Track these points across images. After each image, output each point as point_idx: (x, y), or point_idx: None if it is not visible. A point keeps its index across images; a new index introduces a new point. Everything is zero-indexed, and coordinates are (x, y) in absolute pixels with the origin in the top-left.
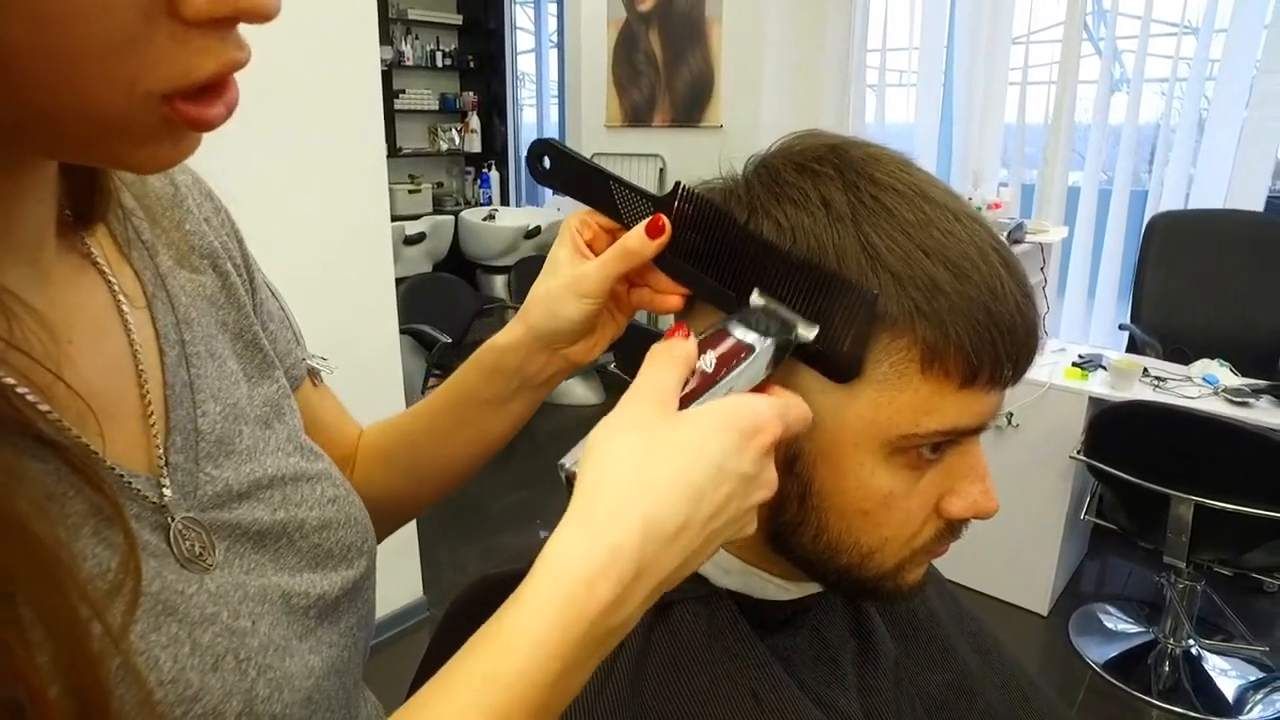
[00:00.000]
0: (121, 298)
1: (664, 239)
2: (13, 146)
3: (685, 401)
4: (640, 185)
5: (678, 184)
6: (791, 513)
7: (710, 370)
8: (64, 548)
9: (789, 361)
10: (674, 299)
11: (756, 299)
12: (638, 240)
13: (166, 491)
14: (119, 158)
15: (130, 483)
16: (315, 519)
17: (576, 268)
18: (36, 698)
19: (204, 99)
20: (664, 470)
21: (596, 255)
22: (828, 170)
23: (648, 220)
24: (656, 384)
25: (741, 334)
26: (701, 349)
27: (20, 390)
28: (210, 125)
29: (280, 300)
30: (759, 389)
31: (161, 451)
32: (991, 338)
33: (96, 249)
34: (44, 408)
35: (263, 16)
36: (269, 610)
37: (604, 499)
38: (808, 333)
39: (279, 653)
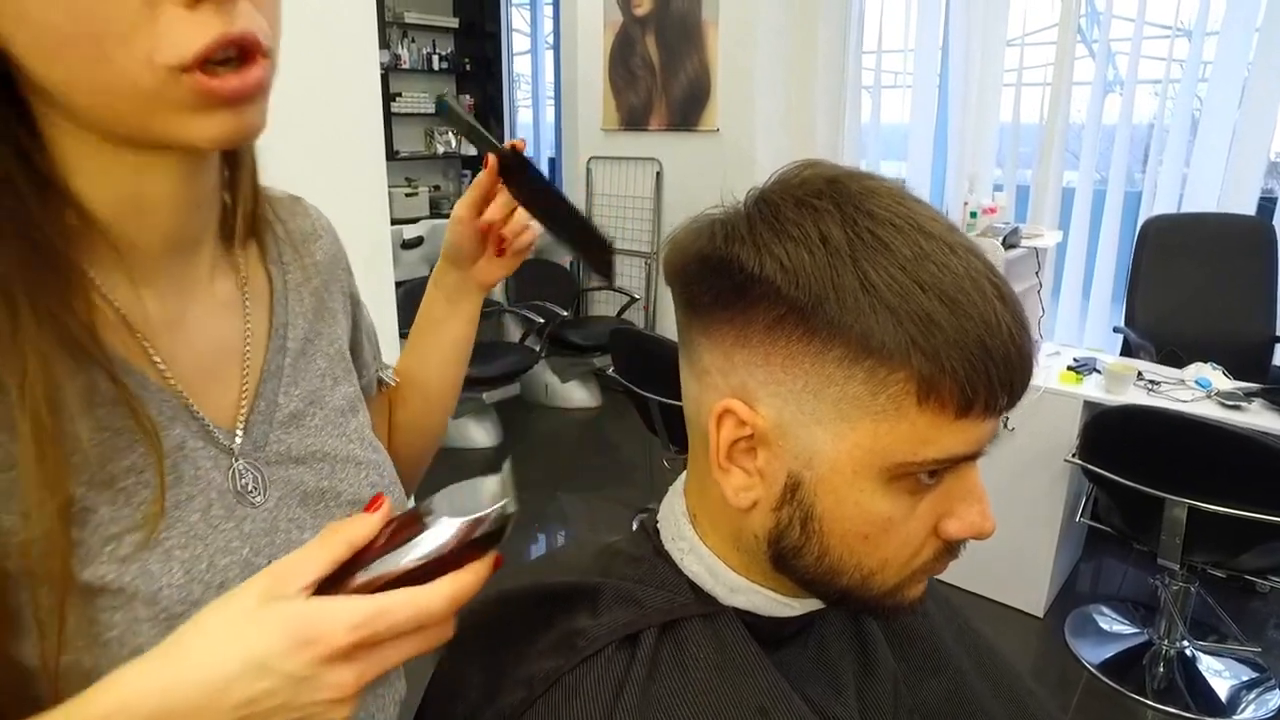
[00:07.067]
0: (247, 298)
1: (492, 170)
2: (102, 127)
3: (338, 574)
4: (490, 137)
5: (515, 144)
6: (794, 537)
7: (381, 543)
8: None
9: (775, 408)
10: (527, 235)
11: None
12: (485, 174)
13: (239, 440)
14: (174, 131)
15: (212, 429)
16: (350, 494)
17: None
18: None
19: (219, 74)
20: (203, 655)
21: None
22: (826, 205)
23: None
24: (290, 565)
25: (429, 511)
26: (388, 528)
27: (155, 358)
28: (224, 95)
29: (370, 320)
30: (456, 563)
31: (246, 414)
32: (986, 369)
33: (242, 258)
34: (159, 364)
35: None
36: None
37: (144, 663)
38: (494, 510)
39: None
